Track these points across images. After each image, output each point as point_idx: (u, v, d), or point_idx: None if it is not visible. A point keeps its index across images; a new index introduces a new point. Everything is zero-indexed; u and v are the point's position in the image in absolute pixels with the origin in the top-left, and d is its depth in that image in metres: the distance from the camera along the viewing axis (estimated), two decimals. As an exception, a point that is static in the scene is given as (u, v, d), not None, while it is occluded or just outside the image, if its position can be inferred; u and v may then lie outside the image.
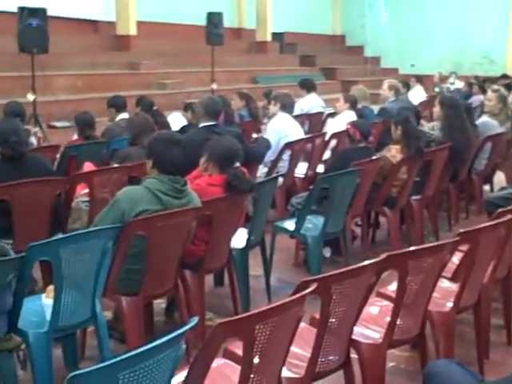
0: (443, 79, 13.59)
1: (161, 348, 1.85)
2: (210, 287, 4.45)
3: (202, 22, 11.69)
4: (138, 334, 3.33)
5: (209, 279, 4.29)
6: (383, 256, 2.62)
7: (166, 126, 6.11)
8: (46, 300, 3.01)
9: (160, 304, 4.07)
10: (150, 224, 3.21)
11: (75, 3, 12.41)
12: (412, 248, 2.95)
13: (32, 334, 2.89)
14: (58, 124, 9.46)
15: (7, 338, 2.78)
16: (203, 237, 3.65)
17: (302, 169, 6.18)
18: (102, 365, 1.74)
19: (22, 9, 8.39)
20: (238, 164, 3.78)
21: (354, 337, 2.76)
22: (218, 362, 2.42)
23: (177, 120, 6.87)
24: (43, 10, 8.57)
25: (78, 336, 3.46)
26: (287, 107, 6.29)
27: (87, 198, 4.40)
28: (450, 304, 3.14)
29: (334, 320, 2.53)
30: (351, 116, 6.44)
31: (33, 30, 8.31)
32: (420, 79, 12.01)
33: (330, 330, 2.54)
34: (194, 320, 2.05)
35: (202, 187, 3.64)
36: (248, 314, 2.13)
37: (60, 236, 4.12)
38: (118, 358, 1.74)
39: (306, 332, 2.66)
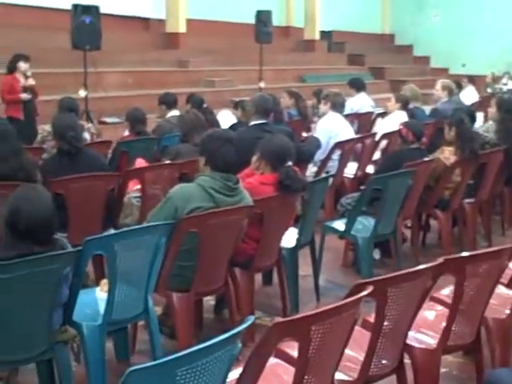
0: (496, 80, 13.29)
1: (218, 346, 1.86)
2: (259, 286, 4.44)
3: (251, 20, 11.71)
4: (188, 331, 3.35)
5: (257, 278, 4.28)
6: (440, 260, 2.57)
7: (216, 123, 6.13)
8: (100, 293, 3.05)
9: (209, 301, 4.09)
10: (202, 221, 3.22)
11: (127, 1, 12.59)
12: (470, 252, 2.88)
13: (86, 326, 2.94)
14: (108, 120, 9.62)
15: (63, 329, 2.82)
16: (254, 235, 3.65)
17: (351, 169, 6.12)
18: (161, 361, 1.75)
19: (75, 6, 8.55)
20: (290, 163, 3.77)
21: (407, 341, 2.71)
22: (270, 362, 2.41)
23: (226, 118, 6.90)
24: (96, 8, 8.71)
25: (129, 330, 3.50)
26: (338, 106, 6.24)
27: (139, 194, 4.45)
28: (507, 311, 3.06)
29: (388, 324, 2.49)
30: (402, 116, 6.34)
31: (86, 27, 8.46)
32: (472, 79, 11.76)
33: (384, 334, 2.51)
34: (251, 319, 2.05)
35: (253, 186, 3.63)
36: (304, 314, 2.11)
37: (112, 231, 4.22)
38: (177, 355, 1.75)
39: (358, 335, 2.62)
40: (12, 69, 7.32)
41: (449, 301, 2.83)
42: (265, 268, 4.11)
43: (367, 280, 2.38)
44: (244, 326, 1.98)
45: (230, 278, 3.61)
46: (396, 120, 5.99)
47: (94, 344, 2.95)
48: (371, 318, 2.57)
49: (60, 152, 4.21)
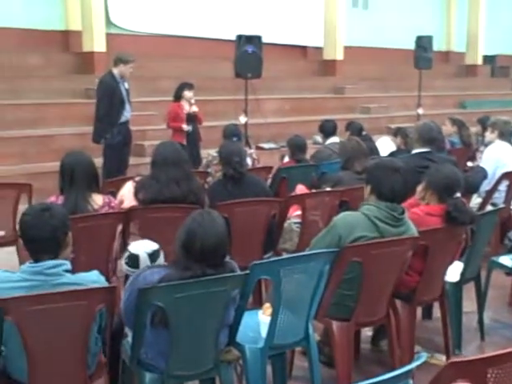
0: None
1: (390, 382, 1.81)
2: (418, 319, 4.29)
3: (410, 45, 11.53)
4: (348, 360, 3.31)
5: (417, 311, 4.14)
6: None
7: (375, 150, 6.07)
8: (263, 317, 3.10)
9: (365, 331, 4.02)
10: (366, 251, 3.18)
11: (287, 30, 12.96)
12: None
13: (248, 348, 3.00)
14: (265, 146, 9.89)
15: (227, 350, 2.91)
16: (417, 267, 3.54)
17: (519, 201, 5.76)
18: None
19: (239, 37, 8.93)
20: (458, 194, 3.62)
21: None
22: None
23: (386, 145, 6.81)
24: (258, 38, 9.04)
25: (287, 355, 3.52)
26: (505, 135, 5.92)
27: (299, 220, 4.49)
28: None
29: None
30: None
31: (248, 56, 8.80)
32: None
33: None
34: (423, 357, 1.98)
35: (419, 216, 3.54)
36: (482, 356, 1.99)
37: (271, 255, 4.31)
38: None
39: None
40: (178, 97, 7.76)
41: None
42: (427, 302, 3.97)
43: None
44: (416, 363, 1.92)
45: (392, 310, 3.52)
46: None
47: (256, 367, 3.00)
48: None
49: (225, 177, 4.38)
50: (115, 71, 7.03)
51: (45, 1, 10.30)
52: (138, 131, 8.09)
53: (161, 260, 3.35)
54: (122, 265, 3.38)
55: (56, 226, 2.54)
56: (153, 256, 3.31)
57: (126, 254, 3.37)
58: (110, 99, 6.91)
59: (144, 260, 3.29)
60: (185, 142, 7.44)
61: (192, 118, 7.69)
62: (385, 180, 3.26)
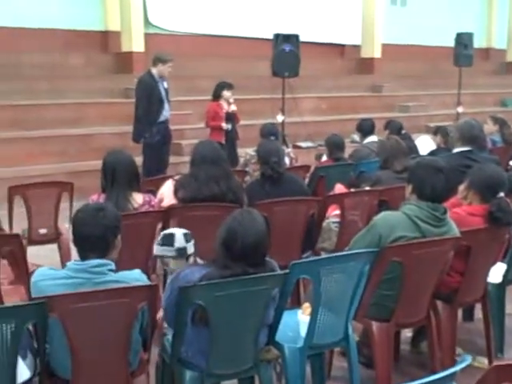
0: None
1: (435, 385, 1.79)
2: (459, 321, 4.23)
3: (449, 43, 11.36)
4: (387, 361, 3.28)
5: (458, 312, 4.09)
6: None
7: (415, 149, 6.00)
8: (302, 317, 3.10)
9: (405, 332, 3.98)
10: (406, 251, 3.15)
11: (324, 28, 12.90)
12: None
13: (288, 348, 3.00)
14: (302, 144, 9.88)
15: (267, 349, 2.91)
16: (459, 268, 3.49)
17: None
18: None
19: (277, 36, 8.92)
20: (501, 194, 3.55)
21: None
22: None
23: (425, 144, 6.72)
24: (296, 37, 9.02)
25: (326, 355, 3.51)
26: (548, 133, 5.80)
27: (337, 219, 4.46)
28: None
29: None
30: None
31: (285, 55, 8.78)
32: None
33: None
34: (467, 359, 1.95)
35: (461, 216, 3.48)
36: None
37: (310, 254, 4.30)
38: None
39: None
40: (217, 96, 7.79)
41: None
42: (469, 303, 3.90)
43: None
44: (460, 365, 1.89)
45: (432, 311, 3.48)
46: None
47: (295, 366, 3.00)
48: None
49: (263, 176, 4.38)
50: (154, 71, 7.10)
51: (85, 2, 10.46)
52: (176, 130, 8.15)
53: (191, 248, 3.35)
54: (156, 248, 3.39)
55: (108, 226, 2.58)
56: (187, 236, 3.33)
57: (160, 236, 3.39)
58: (148, 99, 6.98)
59: (179, 237, 3.30)
60: (223, 141, 7.47)
61: (231, 117, 7.73)
62: (427, 180, 3.22)
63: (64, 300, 2.44)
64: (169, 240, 3.31)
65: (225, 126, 7.62)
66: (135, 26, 10.30)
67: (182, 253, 3.27)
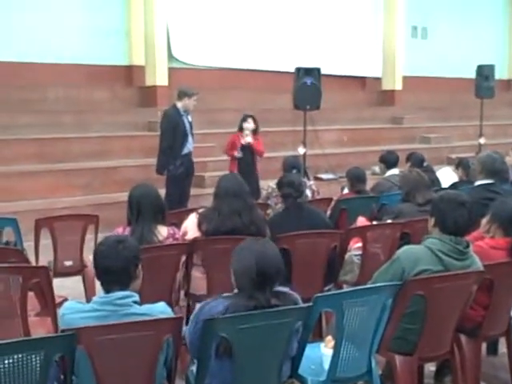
0: None
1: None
2: (483, 355, 4.19)
3: (470, 74, 11.40)
4: (411, 396, 3.26)
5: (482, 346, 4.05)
6: None
7: (437, 182, 6.00)
8: (325, 350, 3.10)
9: (429, 366, 3.95)
10: (429, 284, 3.15)
11: (345, 61, 13.02)
12: None
13: (311, 381, 3.00)
14: (323, 176, 9.92)
15: (290, 382, 2.92)
16: (482, 301, 3.47)
17: None
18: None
19: (298, 69, 9.01)
20: (524, 229, 3.55)
21: None
22: None
23: (447, 176, 6.72)
24: (317, 70, 9.10)
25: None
26: None
27: (360, 252, 4.48)
28: None
29: None
30: None
31: (307, 88, 8.85)
32: None
33: None
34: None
35: (484, 250, 3.48)
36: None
37: (330, 287, 4.31)
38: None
39: None
40: (240, 128, 7.90)
41: None
42: (493, 337, 3.87)
43: None
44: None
45: (456, 345, 3.46)
46: None
47: (317, 399, 2.99)
48: None
49: (286, 209, 4.43)
50: (179, 104, 7.22)
51: (111, 37, 10.70)
52: (199, 163, 8.24)
53: None
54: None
55: (128, 258, 2.63)
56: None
57: None
58: (173, 132, 7.09)
59: None
60: (235, 171, 7.51)
61: (245, 149, 7.80)
62: (449, 213, 3.24)
63: (91, 332, 2.48)
64: None
65: (236, 153, 7.71)
66: (159, 61, 10.49)
67: None
